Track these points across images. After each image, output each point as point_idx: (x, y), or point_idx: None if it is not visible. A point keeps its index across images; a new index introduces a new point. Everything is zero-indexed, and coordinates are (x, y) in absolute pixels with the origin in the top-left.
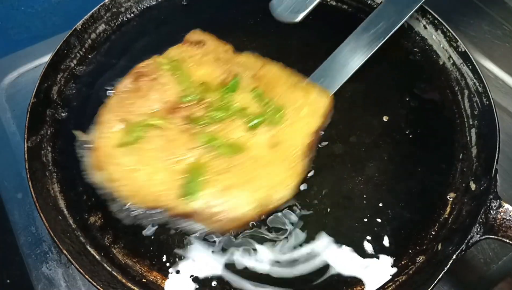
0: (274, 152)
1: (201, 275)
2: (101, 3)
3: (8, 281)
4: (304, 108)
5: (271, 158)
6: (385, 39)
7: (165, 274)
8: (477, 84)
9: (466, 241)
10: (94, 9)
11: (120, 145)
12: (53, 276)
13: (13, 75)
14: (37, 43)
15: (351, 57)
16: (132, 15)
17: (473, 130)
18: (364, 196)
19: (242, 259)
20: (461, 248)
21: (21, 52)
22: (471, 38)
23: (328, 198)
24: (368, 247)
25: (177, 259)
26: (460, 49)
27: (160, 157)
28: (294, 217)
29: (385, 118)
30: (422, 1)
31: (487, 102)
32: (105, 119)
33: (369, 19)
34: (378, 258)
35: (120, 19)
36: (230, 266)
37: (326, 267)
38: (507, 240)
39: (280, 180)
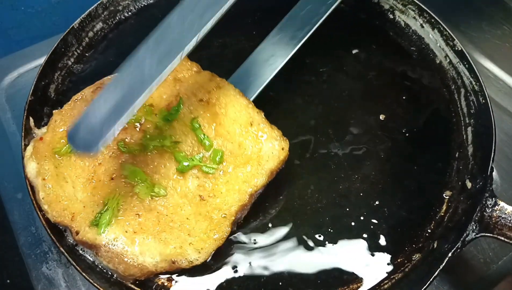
0: (199, 206)
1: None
2: (99, 2)
3: (8, 281)
4: (252, 159)
5: (194, 211)
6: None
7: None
8: (474, 82)
9: (461, 239)
10: (92, 7)
11: (55, 151)
12: (53, 276)
13: (13, 75)
14: (37, 43)
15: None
16: (129, 13)
17: (469, 129)
18: (361, 194)
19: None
20: (456, 246)
21: (21, 52)
22: (471, 38)
23: (325, 196)
24: (365, 245)
25: None
26: (456, 48)
27: (85, 177)
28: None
29: (381, 117)
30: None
31: (483, 101)
32: (55, 119)
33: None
34: (374, 256)
35: (117, 18)
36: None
37: (323, 265)
38: (503, 238)
39: (196, 240)
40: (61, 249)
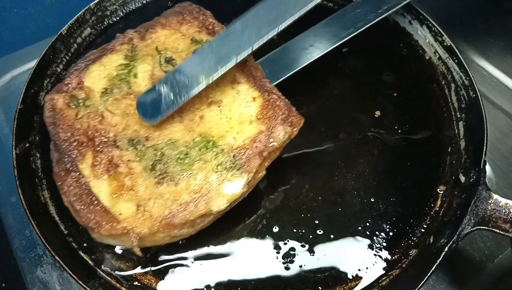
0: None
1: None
2: (86, 7)
3: (3, 284)
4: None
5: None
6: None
7: (160, 277)
8: (464, 77)
9: (457, 233)
10: (80, 13)
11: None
12: (48, 279)
13: (6, 78)
14: (31, 45)
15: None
16: (117, 18)
17: (460, 123)
18: (355, 192)
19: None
20: (453, 240)
21: (15, 55)
22: (466, 36)
23: (320, 195)
24: (361, 242)
25: (172, 263)
26: (445, 44)
27: None
28: None
29: (374, 114)
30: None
31: (474, 95)
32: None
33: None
34: (371, 253)
35: (105, 23)
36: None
37: (320, 264)
38: (498, 230)
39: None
40: (56, 257)
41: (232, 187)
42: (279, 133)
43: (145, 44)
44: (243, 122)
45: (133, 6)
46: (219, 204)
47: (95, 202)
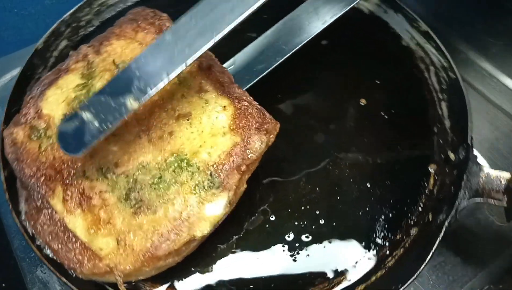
0: None
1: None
2: (60, 19)
3: (3, 284)
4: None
5: None
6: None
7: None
8: (442, 60)
9: (454, 207)
10: (54, 25)
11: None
12: (48, 279)
13: (6, 78)
14: (31, 45)
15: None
16: (93, 27)
17: (443, 104)
18: (351, 180)
19: None
20: (451, 215)
21: (14, 55)
22: (465, 36)
23: (317, 186)
24: (363, 227)
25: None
26: (422, 29)
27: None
28: None
29: (360, 102)
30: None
31: (454, 76)
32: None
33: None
34: (374, 236)
35: (81, 33)
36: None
37: (326, 252)
38: (492, 201)
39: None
40: (49, 266)
41: (214, 208)
42: (255, 143)
43: (101, 58)
44: (215, 135)
45: (109, 14)
46: (202, 228)
47: (73, 239)
